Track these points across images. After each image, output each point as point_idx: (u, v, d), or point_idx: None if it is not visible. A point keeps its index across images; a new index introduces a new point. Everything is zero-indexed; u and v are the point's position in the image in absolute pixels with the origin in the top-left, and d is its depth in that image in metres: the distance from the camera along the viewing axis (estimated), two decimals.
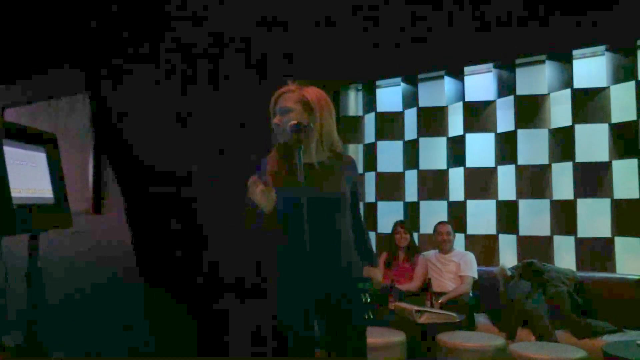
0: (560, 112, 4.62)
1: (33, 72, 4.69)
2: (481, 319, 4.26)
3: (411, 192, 5.39)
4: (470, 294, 4.49)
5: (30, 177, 2.15)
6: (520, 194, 4.77)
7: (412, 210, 5.36)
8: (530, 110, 4.76)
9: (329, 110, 2.23)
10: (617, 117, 4.35)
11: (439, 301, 4.26)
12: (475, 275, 4.55)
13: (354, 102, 5.80)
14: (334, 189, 2.18)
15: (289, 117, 2.13)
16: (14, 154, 2.07)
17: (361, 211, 2.52)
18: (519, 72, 4.85)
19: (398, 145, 5.52)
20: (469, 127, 5.06)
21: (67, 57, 4.24)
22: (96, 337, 4.00)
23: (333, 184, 2.19)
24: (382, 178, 5.52)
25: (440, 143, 5.27)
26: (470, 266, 4.57)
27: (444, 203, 5.20)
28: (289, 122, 2.08)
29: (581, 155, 4.45)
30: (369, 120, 5.67)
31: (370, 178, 5.62)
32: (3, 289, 2.30)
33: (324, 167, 2.19)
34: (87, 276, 4.20)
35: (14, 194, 1.99)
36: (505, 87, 4.89)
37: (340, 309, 2.17)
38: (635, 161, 4.22)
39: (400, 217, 5.30)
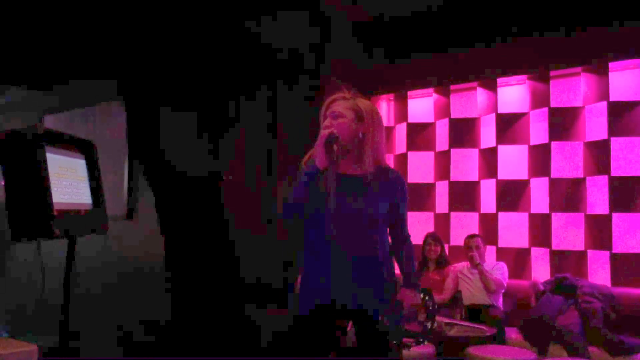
0: (595, 124, 4.54)
1: (69, 79, 4.80)
2: (512, 333, 4.19)
3: (442, 204, 5.35)
4: (501, 307, 4.44)
5: (70, 183, 2.20)
6: (554, 207, 4.68)
7: (442, 222, 5.32)
8: (564, 123, 4.69)
9: (379, 124, 2.22)
10: None
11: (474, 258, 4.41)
12: (504, 280, 4.50)
13: (385, 112, 5.79)
14: (369, 205, 2.16)
15: (338, 122, 2.14)
16: (55, 160, 2.13)
17: (406, 228, 2.37)
18: (554, 84, 4.78)
19: (429, 156, 5.49)
20: (502, 138, 5.01)
21: (102, 64, 4.33)
22: (126, 339, 4.07)
23: (369, 199, 2.16)
24: (412, 189, 5.49)
25: (472, 154, 5.23)
26: (500, 271, 4.53)
27: (475, 215, 5.15)
28: (337, 128, 2.09)
29: (617, 169, 4.37)
30: (400, 131, 5.66)
31: None
32: (41, 290, 2.36)
33: (366, 180, 2.16)
34: (120, 280, 4.27)
35: (55, 199, 2.04)
36: (539, 99, 4.84)
37: (360, 321, 2.22)
38: None
39: (431, 228, 5.27)
